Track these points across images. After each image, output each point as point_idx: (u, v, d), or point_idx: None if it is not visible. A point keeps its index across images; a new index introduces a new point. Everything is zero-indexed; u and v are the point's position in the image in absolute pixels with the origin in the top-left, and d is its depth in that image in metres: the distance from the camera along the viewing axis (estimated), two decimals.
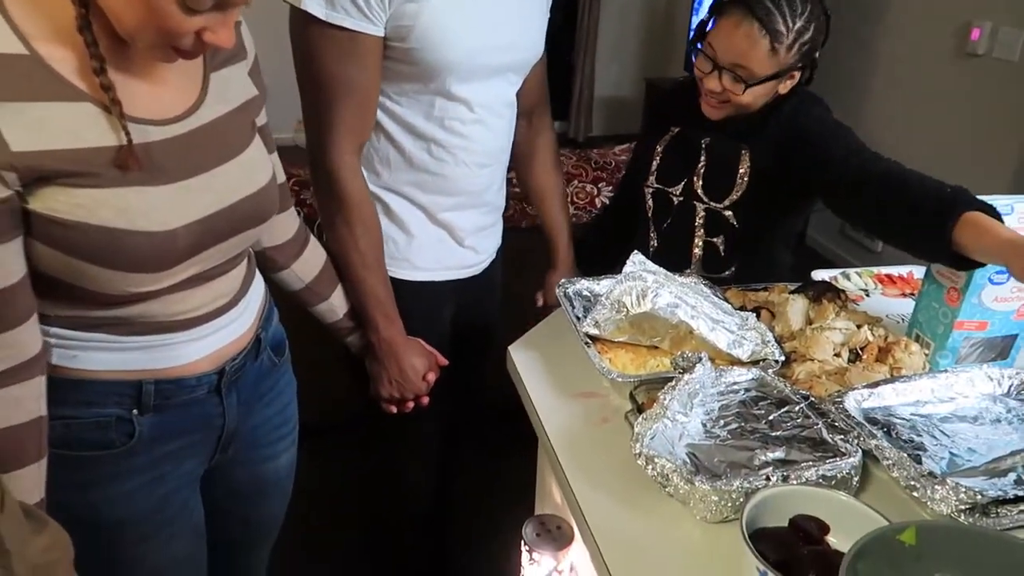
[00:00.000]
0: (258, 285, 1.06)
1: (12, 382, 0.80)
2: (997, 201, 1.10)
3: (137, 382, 0.90)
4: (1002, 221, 1.01)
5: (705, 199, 1.41)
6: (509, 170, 1.42)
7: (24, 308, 0.80)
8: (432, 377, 1.32)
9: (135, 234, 0.79)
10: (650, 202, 1.49)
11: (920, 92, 3.29)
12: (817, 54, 1.29)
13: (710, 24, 1.28)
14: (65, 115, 0.74)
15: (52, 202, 0.75)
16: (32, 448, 0.83)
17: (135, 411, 0.91)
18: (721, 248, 1.42)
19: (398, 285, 1.30)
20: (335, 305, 1.21)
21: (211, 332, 0.95)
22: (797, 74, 1.29)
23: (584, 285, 1.31)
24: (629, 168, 1.65)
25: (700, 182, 1.41)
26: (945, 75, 3.15)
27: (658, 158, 1.46)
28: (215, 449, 1.03)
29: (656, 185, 1.47)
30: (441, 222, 1.31)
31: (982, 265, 1.04)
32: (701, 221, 1.43)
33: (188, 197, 0.83)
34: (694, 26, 1.32)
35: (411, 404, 1.32)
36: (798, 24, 1.22)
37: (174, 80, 0.85)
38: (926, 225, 1.05)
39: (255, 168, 0.92)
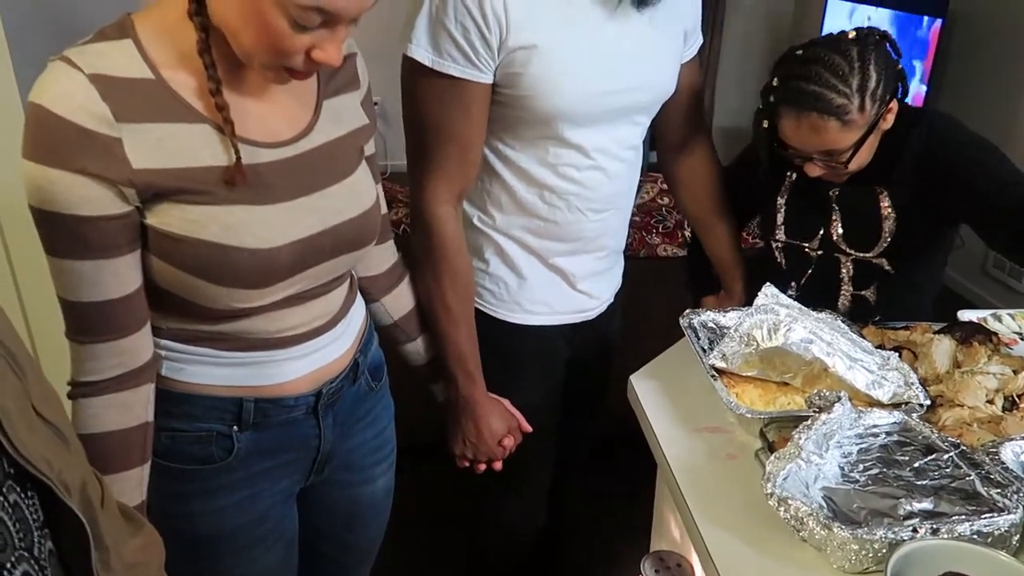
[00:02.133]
0: (359, 309, 1.07)
1: (124, 387, 0.85)
2: None
3: (238, 399, 0.93)
4: None
5: (851, 251, 1.33)
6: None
7: (139, 317, 0.85)
8: (509, 443, 1.25)
9: (241, 250, 0.82)
10: (781, 258, 1.42)
11: None
12: (899, 74, 1.19)
13: (772, 126, 1.22)
14: (183, 135, 0.79)
15: (167, 217, 0.80)
16: (137, 452, 0.88)
17: (235, 427, 0.94)
18: (872, 299, 1.35)
19: (509, 329, 1.28)
20: (421, 348, 1.20)
21: (310, 352, 0.97)
22: (895, 106, 1.20)
23: (709, 317, 1.28)
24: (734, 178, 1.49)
25: (840, 233, 1.33)
26: None
27: (782, 211, 1.38)
28: (311, 469, 1.04)
29: (786, 240, 1.39)
30: (553, 266, 1.26)
31: None
32: (848, 274, 1.36)
33: (293, 217, 0.86)
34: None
35: (483, 466, 1.26)
36: (854, 82, 1.13)
37: (289, 105, 0.89)
38: None
39: (360, 192, 0.94)
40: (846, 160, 1.18)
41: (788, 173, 1.35)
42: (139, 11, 0.81)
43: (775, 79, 1.19)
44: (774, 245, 1.42)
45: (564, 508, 1.66)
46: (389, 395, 1.17)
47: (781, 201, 1.37)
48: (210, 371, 0.92)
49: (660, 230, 3.70)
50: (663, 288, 1.66)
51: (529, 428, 1.27)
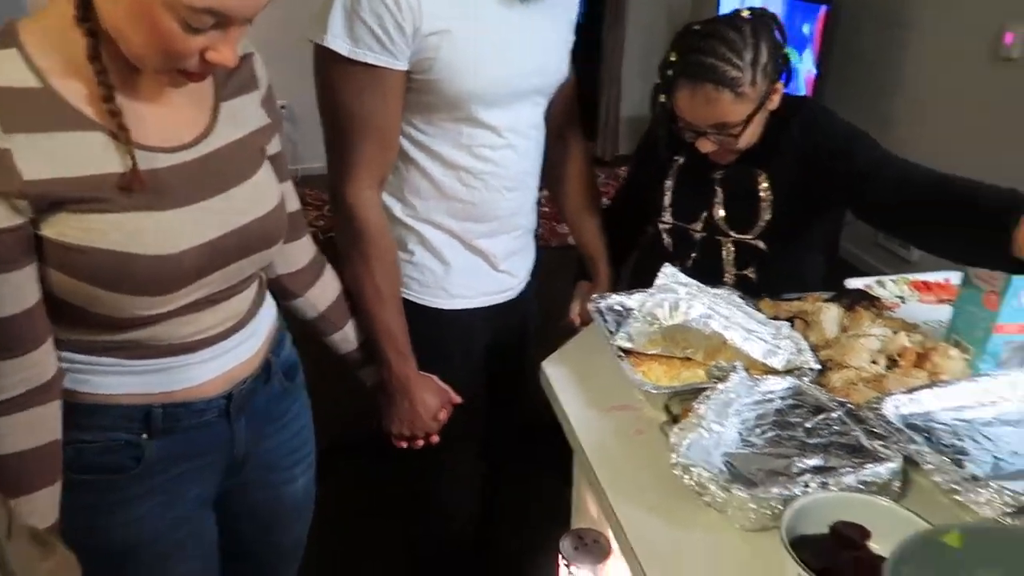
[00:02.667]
0: (268, 309, 1.07)
1: (30, 405, 0.83)
2: None
3: (146, 406, 0.92)
4: None
5: (731, 232, 1.40)
6: (541, 190, 1.43)
7: (41, 331, 0.83)
8: (444, 415, 1.30)
9: (143, 257, 0.81)
10: (668, 239, 1.48)
11: (953, 97, 3.25)
12: (785, 57, 1.26)
13: (668, 101, 1.27)
14: (76, 144, 0.78)
15: (64, 228, 0.78)
16: (50, 470, 0.86)
17: (144, 435, 0.93)
18: (754, 279, 1.41)
19: (435, 315, 1.31)
20: (348, 336, 1.21)
21: (219, 354, 0.96)
22: (780, 86, 1.27)
23: (616, 299, 1.32)
24: (630, 183, 1.60)
25: (722, 215, 1.40)
26: (979, 80, 3.11)
27: (669, 193, 1.44)
28: (226, 472, 1.04)
29: (672, 221, 1.45)
30: (475, 248, 1.31)
31: None
32: (730, 256, 1.42)
33: (195, 220, 0.86)
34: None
35: (421, 442, 1.31)
36: (747, 57, 1.20)
37: (185, 109, 0.88)
38: (981, 229, 1.02)
39: (263, 192, 0.94)
40: (737, 134, 1.23)
41: (675, 157, 1.41)
42: (23, 18, 0.79)
43: (673, 54, 1.25)
44: (661, 227, 1.47)
45: (494, 495, 1.69)
46: (305, 394, 1.18)
47: (668, 183, 1.43)
48: (116, 380, 0.90)
49: None
50: (573, 277, 1.70)
51: (459, 399, 1.33)
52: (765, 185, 1.34)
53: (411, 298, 1.30)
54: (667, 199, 1.44)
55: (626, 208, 1.60)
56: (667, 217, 1.46)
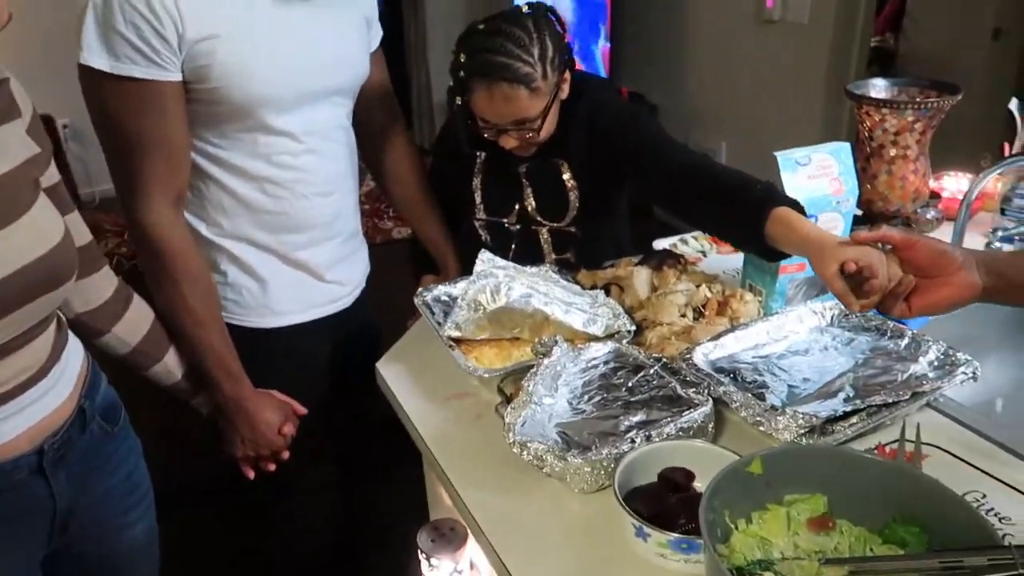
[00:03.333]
0: (75, 351, 1.00)
1: None
2: (795, 154, 1.22)
3: None
4: (805, 214, 1.11)
5: (545, 221, 1.45)
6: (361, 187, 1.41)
7: None
8: (289, 430, 1.25)
9: None
10: (485, 235, 1.50)
11: (729, 57, 3.53)
12: (567, 47, 1.30)
13: (465, 101, 1.28)
14: None
15: None
16: None
17: None
18: (573, 261, 1.47)
19: (261, 335, 1.26)
20: (171, 366, 1.15)
21: (21, 408, 0.89)
22: (568, 75, 1.31)
23: (441, 290, 1.33)
24: (432, 179, 1.55)
25: (534, 206, 1.44)
26: (747, 43, 3.40)
27: (479, 191, 1.46)
28: (51, 533, 0.96)
29: (485, 217, 1.48)
30: (296, 262, 1.26)
31: (790, 256, 1.14)
32: (547, 244, 1.47)
33: None
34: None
35: (271, 465, 1.26)
36: (535, 51, 1.22)
37: None
38: (740, 222, 1.13)
39: (44, 228, 0.87)
40: (538, 128, 1.28)
41: (478, 154, 1.44)
42: None
43: (462, 55, 1.25)
44: (477, 224, 1.50)
45: (354, 503, 1.67)
46: (132, 435, 1.10)
47: (476, 182, 1.46)
48: None
49: (391, 214, 3.71)
50: (406, 270, 1.70)
51: (304, 410, 1.28)
52: (568, 175, 1.40)
53: (233, 321, 1.24)
54: (478, 197, 1.47)
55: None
56: (480, 213, 1.49)
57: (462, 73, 1.25)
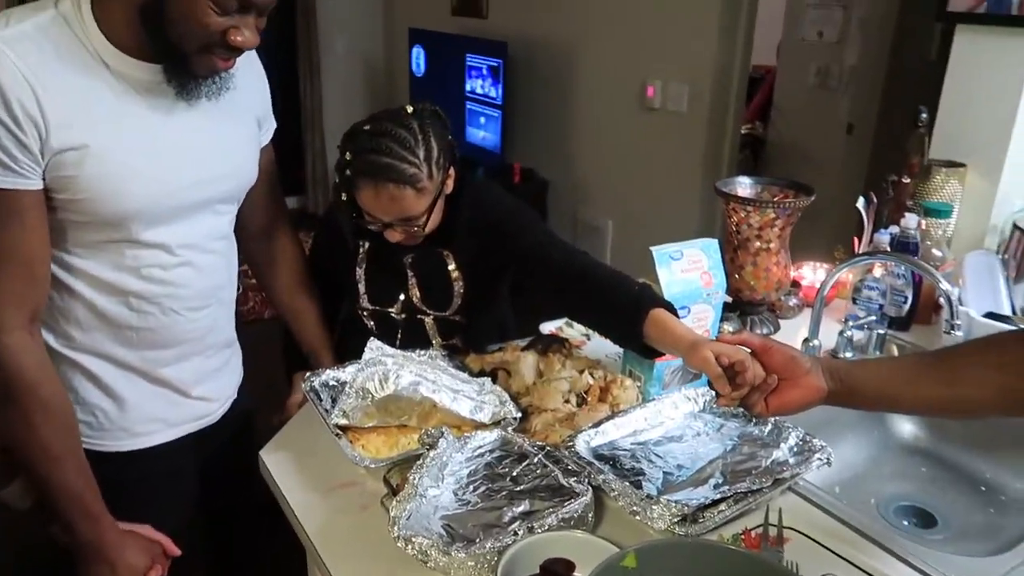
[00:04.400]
0: None
1: None
2: (669, 249, 1.31)
3: None
4: (678, 316, 1.22)
5: (430, 311, 1.48)
6: (242, 264, 1.34)
7: None
8: (156, 574, 1.12)
9: None
10: (370, 323, 1.51)
11: (614, 139, 3.74)
12: (452, 144, 1.34)
13: (351, 197, 1.29)
14: None
15: None
16: None
17: None
18: (460, 346, 1.50)
19: (122, 459, 1.17)
20: (18, 491, 1.06)
21: None
22: (452, 172, 1.34)
23: (330, 375, 1.33)
24: (315, 264, 1.53)
25: (419, 296, 1.47)
26: (631, 127, 3.61)
27: (363, 281, 1.47)
28: None
29: (371, 307, 1.49)
30: (159, 379, 1.17)
31: (664, 354, 1.24)
32: (433, 331, 1.50)
33: None
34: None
35: None
36: (420, 153, 1.25)
37: None
38: (619, 323, 1.22)
39: None
40: (423, 224, 1.31)
41: (361, 243, 1.45)
42: None
43: (348, 154, 1.27)
44: (361, 313, 1.51)
45: None
46: None
47: (360, 271, 1.47)
48: None
49: None
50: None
51: (177, 551, 1.17)
52: (453, 265, 1.44)
53: (88, 446, 1.11)
54: (362, 287, 1.48)
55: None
56: (364, 303, 1.50)
57: (348, 171, 1.27)
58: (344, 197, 1.30)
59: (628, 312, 1.20)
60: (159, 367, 1.17)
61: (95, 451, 1.13)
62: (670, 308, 1.20)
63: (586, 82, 3.82)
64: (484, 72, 4.02)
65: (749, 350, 1.00)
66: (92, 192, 1.00)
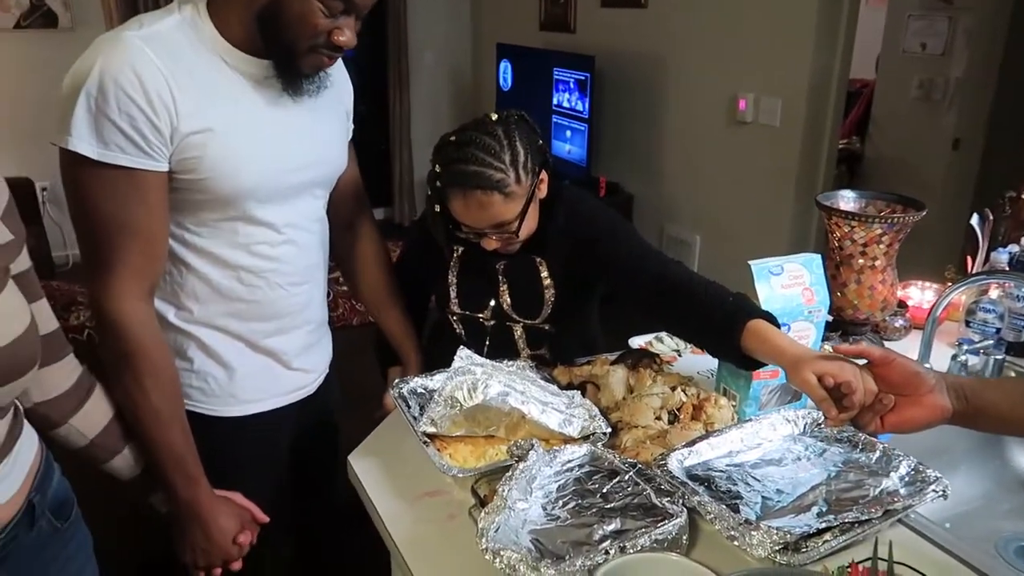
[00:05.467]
0: (28, 443, 0.96)
1: None
2: (768, 263, 1.26)
3: None
4: (779, 326, 1.16)
5: (519, 318, 1.47)
6: (333, 271, 1.41)
7: None
8: (245, 539, 1.20)
9: None
10: (459, 328, 1.52)
11: (703, 153, 3.66)
12: (541, 147, 1.33)
13: (444, 209, 1.31)
14: None
15: None
16: None
17: None
18: (547, 357, 1.48)
19: (226, 424, 1.24)
20: (130, 460, 1.11)
21: None
22: (545, 176, 1.34)
23: (418, 383, 1.33)
24: (407, 268, 1.58)
25: (509, 303, 1.46)
26: (721, 141, 3.53)
27: (454, 286, 1.47)
28: None
29: (461, 311, 1.50)
30: (264, 349, 1.25)
31: (765, 365, 1.18)
32: (522, 340, 1.49)
33: None
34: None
35: (219, 571, 1.20)
36: (506, 158, 1.25)
37: None
38: (715, 333, 1.18)
39: (8, 318, 0.85)
40: (516, 229, 1.30)
41: (456, 248, 1.46)
42: None
43: (437, 166, 1.29)
44: (451, 317, 1.52)
45: None
46: (83, 529, 1.05)
47: (452, 276, 1.47)
48: None
49: None
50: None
51: (265, 518, 1.24)
52: (545, 273, 1.42)
53: (197, 410, 1.21)
54: (453, 291, 1.48)
55: (405, 290, 1.58)
56: (455, 308, 1.50)
57: (438, 183, 1.29)
58: (438, 209, 1.31)
59: (725, 322, 1.15)
60: (264, 338, 1.25)
61: (206, 415, 1.23)
62: (770, 318, 1.15)
63: (675, 95, 3.77)
64: (571, 86, 4.02)
65: (863, 361, 0.94)
66: (214, 172, 1.08)
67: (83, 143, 1.00)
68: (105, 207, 1.04)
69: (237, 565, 1.21)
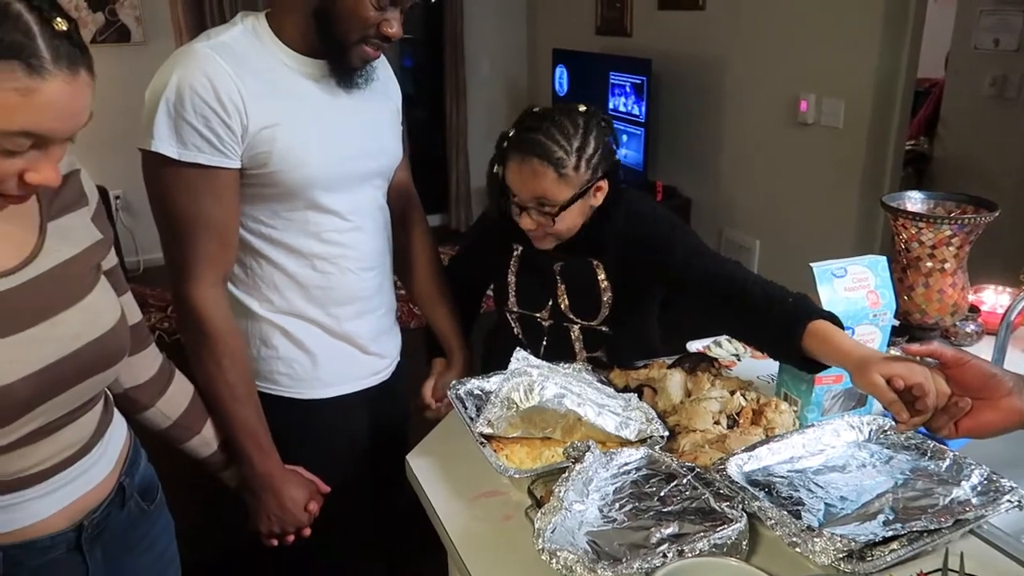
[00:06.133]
0: (118, 428, 1.02)
1: None
2: (831, 266, 1.23)
3: None
4: (843, 327, 1.13)
5: (577, 319, 1.47)
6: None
7: None
8: (314, 507, 1.29)
9: None
10: (517, 327, 1.53)
11: (763, 156, 3.59)
12: (613, 158, 1.35)
13: (501, 173, 1.34)
14: None
15: None
16: None
17: None
18: (604, 359, 1.48)
19: (310, 406, 1.32)
20: (208, 439, 1.18)
21: (62, 485, 0.90)
22: (604, 185, 1.34)
23: (475, 384, 1.34)
24: (468, 262, 1.63)
25: (567, 304, 1.46)
26: (781, 143, 3.46)
27: (513, 285, 1.49)
28: None
29: (519, 311, 1.51)
30: (343, 335, 1.32)
31: (828, 367, 1.14)
32: (579, 342, 1.49)
33: (25, 349, 0.81)
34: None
35: (292, 537, 1.29)
36: (576, 143, 1.27)
37: (8, 232, 0.84)
38: (776, 334, 1.16)
39: (100, 312, 0.91)
40: (555, 213, 1.30)
41: (515, 247, 1.47)
42: None
43: (511, 131, 1.32)
44: (509, 316, 1.53)
45: None
46: (167, 513, 1.12)
47: (512, 275, 1.49)
48: None
49: None
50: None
51: (327, 488, 1.31)
52: (603, 276, 1.42)
53: (284, 393, 1.30)
54: (512, 289, 1.49)
55: (460, 286, 1.62)
56: (513, 307, 1.51)
57: (505, 144, 1.33)
58: (495, 170, 1.34)
59: (786, 322, 1.13)
60: (341, 323, 1.32)
61: (291, 398, 1.31)
62: (834, 319, 1.12)
63: (734, 97, 3.71)
64: (627, 90, 4.00)
65: (934, 362, 0.91)
66: (283, 164, 1.16)
67: (164, 144, 1.09)
68: (184, 202, 1.13)
69: (307, 531, 1.29)
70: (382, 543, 1.60)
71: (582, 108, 1.33)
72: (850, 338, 1.10)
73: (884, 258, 1.27)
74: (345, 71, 1.20)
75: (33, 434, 0.85)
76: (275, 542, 1.29)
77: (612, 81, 4.12)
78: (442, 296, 1.55)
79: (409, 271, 1.54)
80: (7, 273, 0.82)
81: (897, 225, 1.46)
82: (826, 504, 1.02)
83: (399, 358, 1.48)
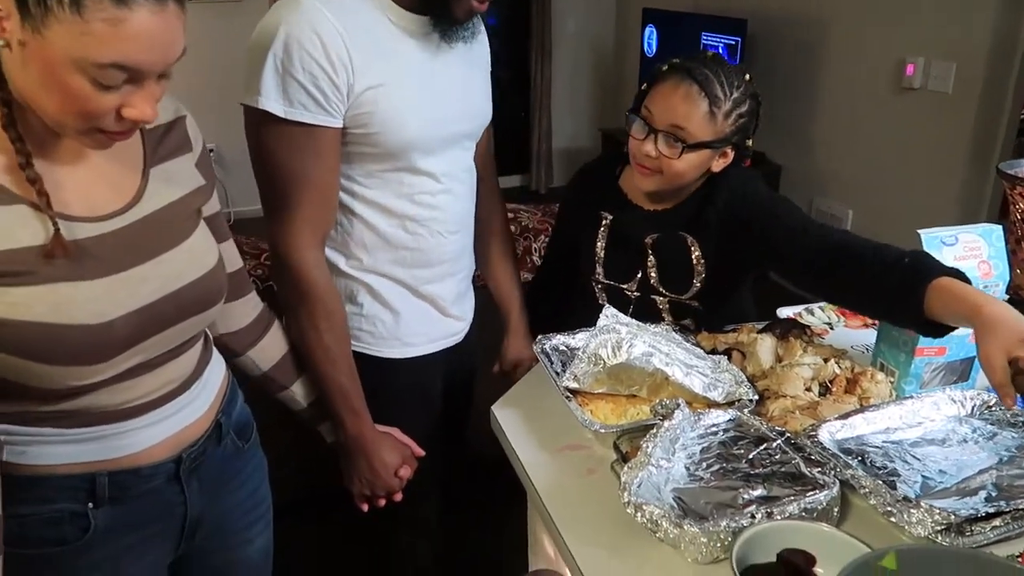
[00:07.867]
0: (217, 368, 1.06)
1: None
2: (941, 233, 1.17)
3: (90, 475, 0.89)
4: (970, 283, 1.05)
5: (666, 293, 1.45)
6: None
7: None
8: (406, 472, 1.29)
9: (72, 328, 0.80)
10: (602, 297, 1.51)
11: (862, 123, 3.43)
12: (750, 141, 1.33)
13: (648, 90, 1.33)
14: None
15: None
16: None
17: (90, 504, 0.90)
18: (692, 328, 1.46)
19: (390, 365, 1.32)
20: (297, 395, 1.20)
21: (164, 417, 0.95)
22: (730, 153, 1.33)
23: (560, 340, 1.35)
24: (559, 240, 1.64)
25: (656, 278, 1.44)
26: (884, 109, 3.30)
27: (601, 254, 1.48)
28: (180, 538, 1.02)
29: (606, 281, 1.49)
30: (424, 295, 1.32)
31: (954, 329, 1.07)
32: (667, 313, 1.47)
33: (126, 287, 0.84)
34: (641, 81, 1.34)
35: (383, 501, 1.30)
36: (735, 95, 1.28)
37: (113, 173, 0.87)
38: (894, 296, 1.08)
39: (200, 254, 0.94)
40: (683, 149, 1.27)
41: (604, 214, 1.45)
42: None
43: (680, 59, 1.31)
44: (595, 286, 1.51)
45: (453, 537, 1.68)
46: (260, 453, 1.16)
47: (600, 245, 1.47)
48: (56, 450, 0.88)
49: None
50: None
51: (422, 452, 1.32)
52: (697, 252, 1.39)
53: (365, 350, 1.30)
54: (599, 260, 1.48)
55: (557, 269, 1.62)
56: (600, 276, 1.49)
57: (666, 66, 1.31)
58: (644, 87, 1.33)
59: (906, 281, 1.06)
60: (424, 284, 1.32)
61: (375, 356, 1.31)
62: (960, 276, 1.05)
63: (833, 60, 3.55)
64: (720, 51, 3.87)
65: None
66: (384, 126, 1.15)
67: (271, 101, 1.08)
68: (286, 161, 1.12)
69: (398, 496, 1.30)
70: (448, 494, 1.61)
71: (747, 76, 1.33)
72: (983, 293, 1.02)
73: (999, 227, 1.20)
74: (449, 25, 1.17)
75: (136, 368, 0.89)
76: (365, 507, 1.30)
77: (704, 42, 4.00)
78: (505, 258, 1.53)
79: (479, 230, 1.49)
80: (109, 216, 0.85)
81: (1014, 194, 1.38)
82: (923, 476, 0.99)
83: (473, 319, 1.48)
